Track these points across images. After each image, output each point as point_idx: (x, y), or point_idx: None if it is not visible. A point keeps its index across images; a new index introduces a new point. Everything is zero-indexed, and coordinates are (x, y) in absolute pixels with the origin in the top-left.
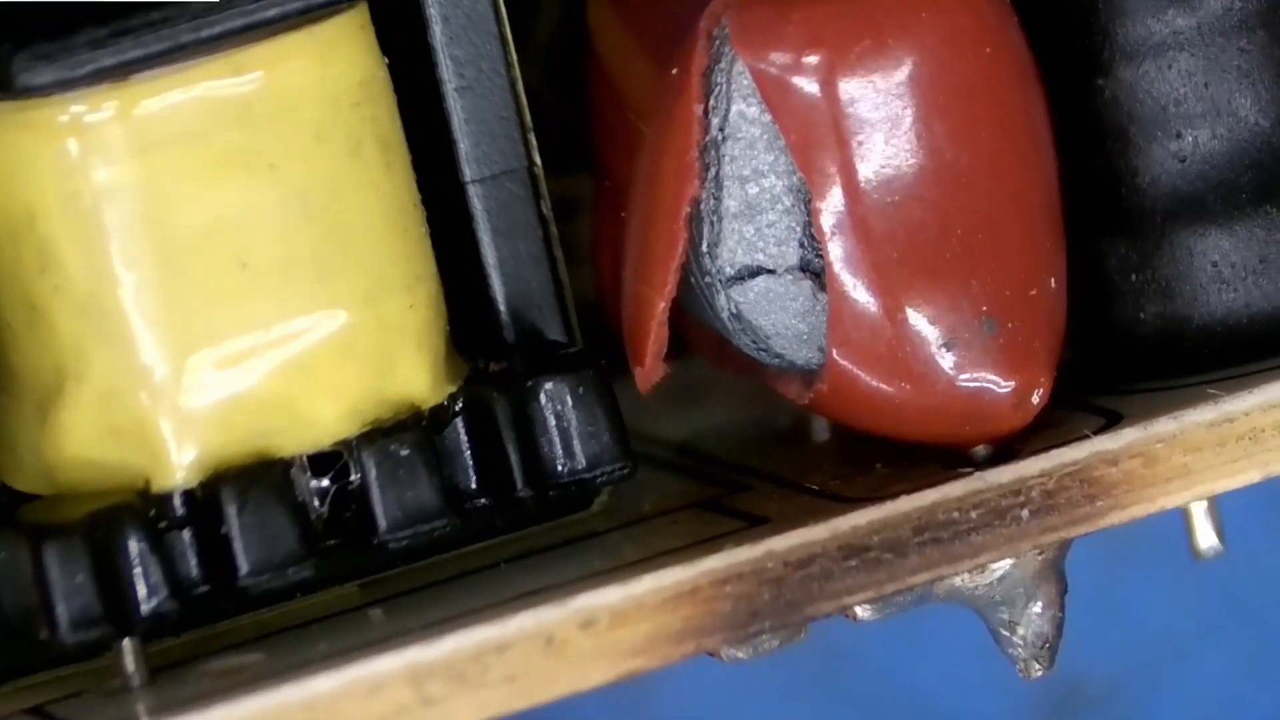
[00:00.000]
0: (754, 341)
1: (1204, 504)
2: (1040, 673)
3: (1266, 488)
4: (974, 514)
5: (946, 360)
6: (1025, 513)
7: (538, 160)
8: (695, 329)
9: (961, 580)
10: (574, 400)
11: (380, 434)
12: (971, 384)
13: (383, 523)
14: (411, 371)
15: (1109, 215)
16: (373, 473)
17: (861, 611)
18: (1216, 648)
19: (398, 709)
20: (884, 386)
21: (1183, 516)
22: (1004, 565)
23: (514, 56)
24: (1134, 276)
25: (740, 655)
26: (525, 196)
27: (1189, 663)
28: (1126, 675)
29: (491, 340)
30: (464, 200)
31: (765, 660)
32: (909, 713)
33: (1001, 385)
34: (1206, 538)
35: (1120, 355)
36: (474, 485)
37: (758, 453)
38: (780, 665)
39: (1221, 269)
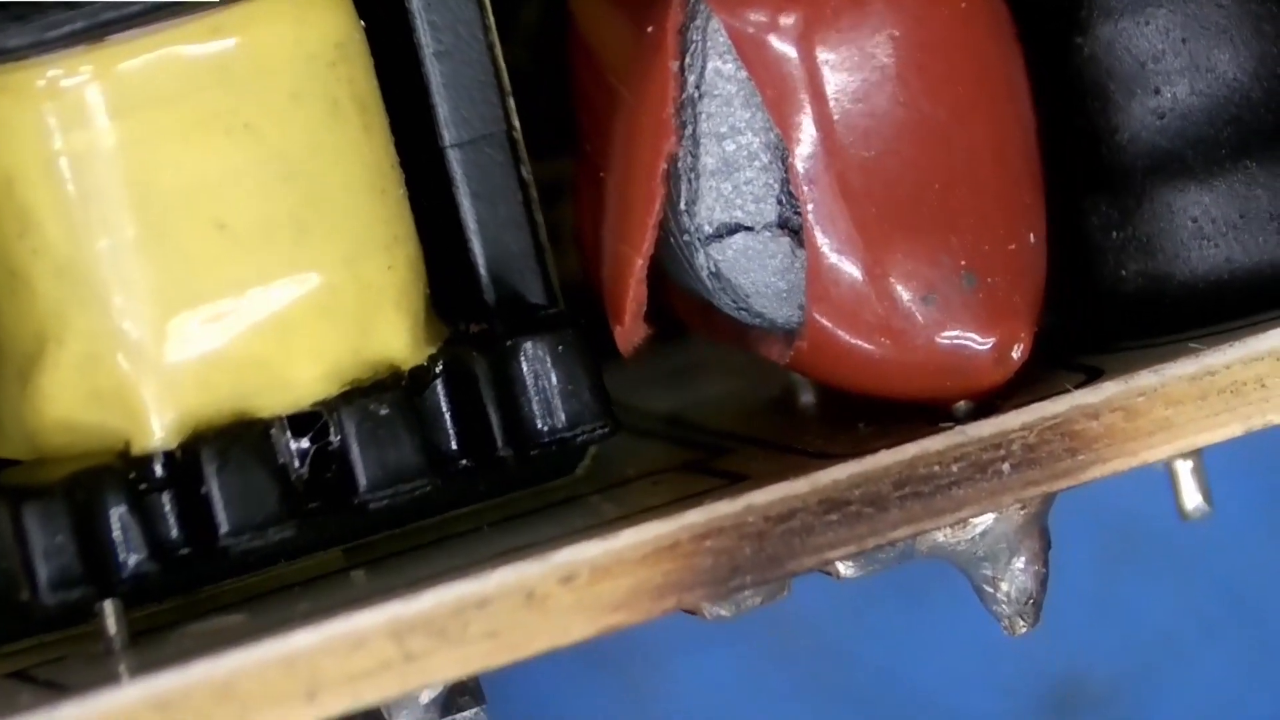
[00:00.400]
0: (734, 301)
1: (1189, 464)
2: (1025, 629)
3: (1266, 488)
4: (955, 468)
5: (926, 315)
6: (1006, 466)
7: (517, 124)
8: (680, 295)
9: (943, 536)
10: (554, 360)
11: (360, 394)
12: (951, 339)
13: (363, 482)
14: (391, 332)
15: (1089, 173)
16: (352, 433)
17: (844, 568)
18: (1216, 648)
19: (379, 664)
20: (863, 343)
21: (1169, 479)
22: (986, 520)
23: (491, 21)
24: (1115, 234)
25: (723, 613)
26: (504, 160)
27: (1189, 663)
28: (1126, 675)
29: (472, 303)
30: (443, 164)
31: (765, 660)
32: (909, 713)
33: (981, 340)
34: (1192, 498)
35: (1102, 313)
36: (455, 446)
37: (744, 421)
38: (780, 665)
39: (1202, 225)
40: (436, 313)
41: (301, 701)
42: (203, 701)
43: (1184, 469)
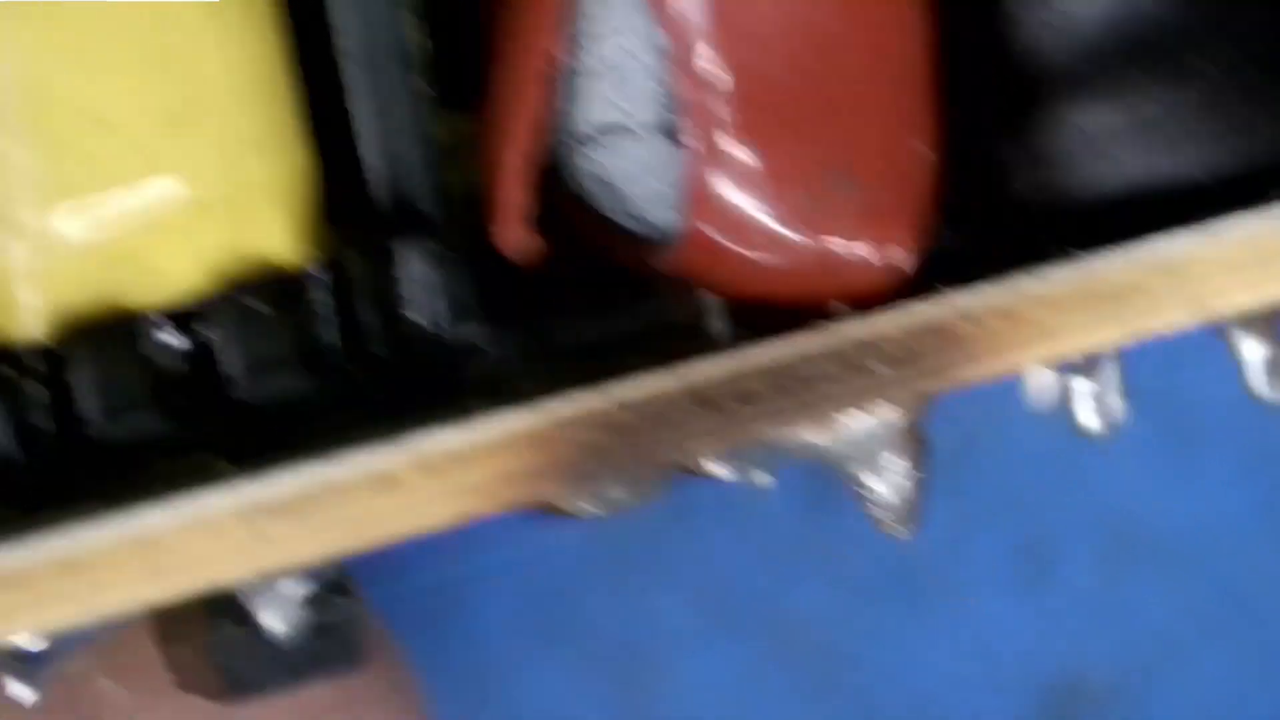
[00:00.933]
0: (617, 205)
1: (1088, 385)
2: (904, 535)
3: (1267, 487)
4: (827, 365)
5: (805, 217)
6: (880, 366)
7: (414, 37)
8: (573, 204)
9: (816, 436)
10: (430, 262)
11: (235, 290)
12: (830, 241)
13: (235, 375)
14: (270, 232)
15: (984, 86)
16: (225, 326)
17: (716, 468)
18: (1216, 648)
19: (234, 547)
20: (741, 245)
21: (1066, 400)
22: (859, 420)
23: None
24: (1008, 147)
25: (594, 510)
26: (399, 71)
27: (1188, 663)
28: (1126, 675)
29: (364, 211)
30: (337, 73)
31: (765, 660)
32: (909, 713)
33: (860, 242)
34: (1087, 416)
35: (997, 224)
36: (330, 343)
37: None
38: (780, 665)
39: (1093, 138)
40: (332, 220)
41: (151, 580)
42: (52, 577)
43: (1080, 387)
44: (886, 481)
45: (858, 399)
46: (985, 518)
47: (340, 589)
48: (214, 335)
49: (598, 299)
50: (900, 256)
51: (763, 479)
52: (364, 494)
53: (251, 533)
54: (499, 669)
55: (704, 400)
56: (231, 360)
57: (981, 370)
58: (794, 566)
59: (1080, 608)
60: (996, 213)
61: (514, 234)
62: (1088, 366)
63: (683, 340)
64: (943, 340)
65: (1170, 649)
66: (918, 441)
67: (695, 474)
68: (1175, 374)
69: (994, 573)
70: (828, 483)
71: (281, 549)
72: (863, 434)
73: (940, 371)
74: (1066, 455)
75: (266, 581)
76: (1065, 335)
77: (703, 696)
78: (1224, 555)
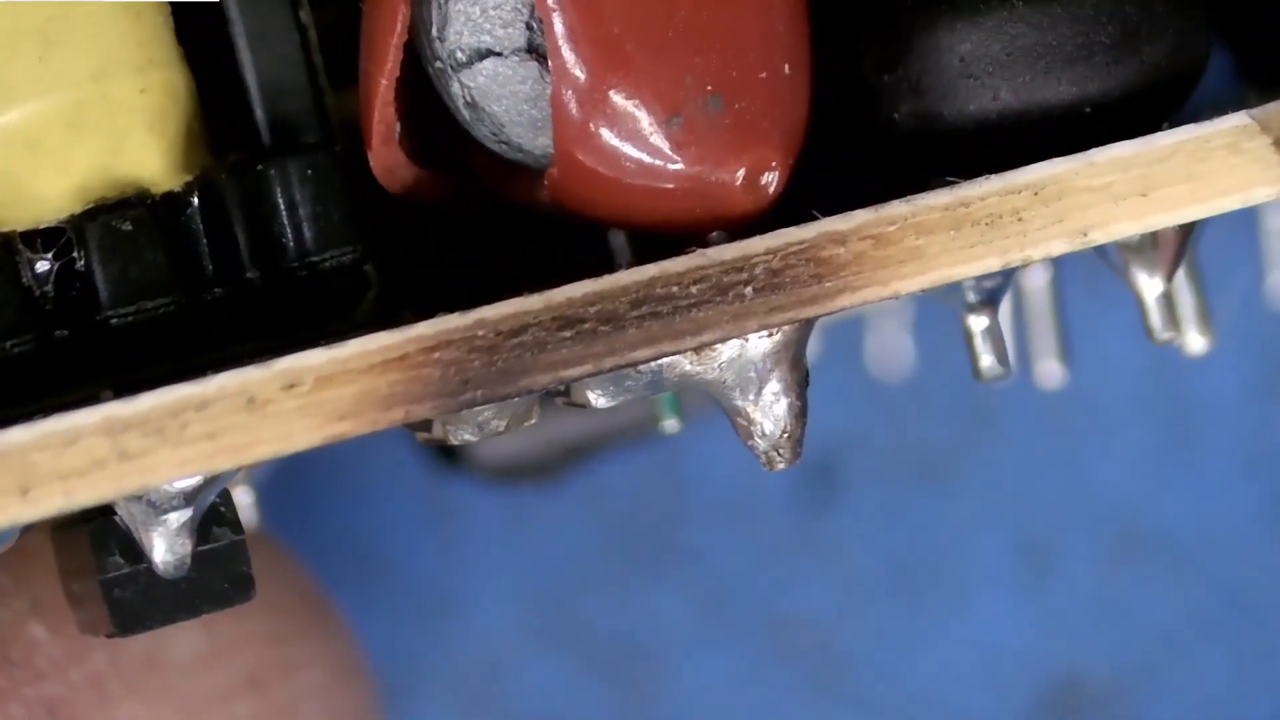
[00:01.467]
0: (492, 133)
1: (985, 322)
2: (783, 465)
3: (1267, 488)
4: (694, 289)
5: (671, 138)
6: (749, 290)
7: None
8: (455, 137)
9: (690, 363)
10: (303, 183)
11: (105, 211)
12: (698, 163)
13: (104, 297)
14: (143, 153)
15: (861, 12)
16: (95, 248)
17: (594, 397)
18: (1216, 648)
19: (93, 462)
20: (610, 170)
21: (967, 342)
22: (733, 347)
23: None
24: (886, 75)
25: (468, 436)
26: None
27: (1189, 663)
28: (1126, 675)
29: (243, 134)
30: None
31: (765, 660)
32: (909, 713)
33: (729, 165)
34: (987, 358)
35: (876, 154)
36: (205, 266)
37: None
38: (780, 665)
39: (969, 64)
40: (210, 143)
41: (15, 498)
42: None
43: (977, 327)
44: (762, 411)
45: (728, 324)
46: (985, 518)
47: (223, 521)
48: (84, 256)
49: (481, 230)
50: (771, 180)
51: (672, 426)
52: (228, 412)
53: (114, 449)
54: (499, 669)
55: (567, 321)
56: (102, 281)
57: (855, 296)
58: (794, 566)
59: (1080, 607)
60: (874, 142)
61: (384, 156)
62: (983, 305)
63: (572, 273)
64: (813, 264)
65: (1171, 649)
66: (795, 369)
67: (581, 406)
68: (1176, 375)
69: (994, 572)
70: (828, 483)
71: (144, 465)
72: (737, 360)
73: (811, 296)
74: (1067, 455)
75: (154, 515)
76: (939, 261)
77: (703, 696)
78: (1224, 555)
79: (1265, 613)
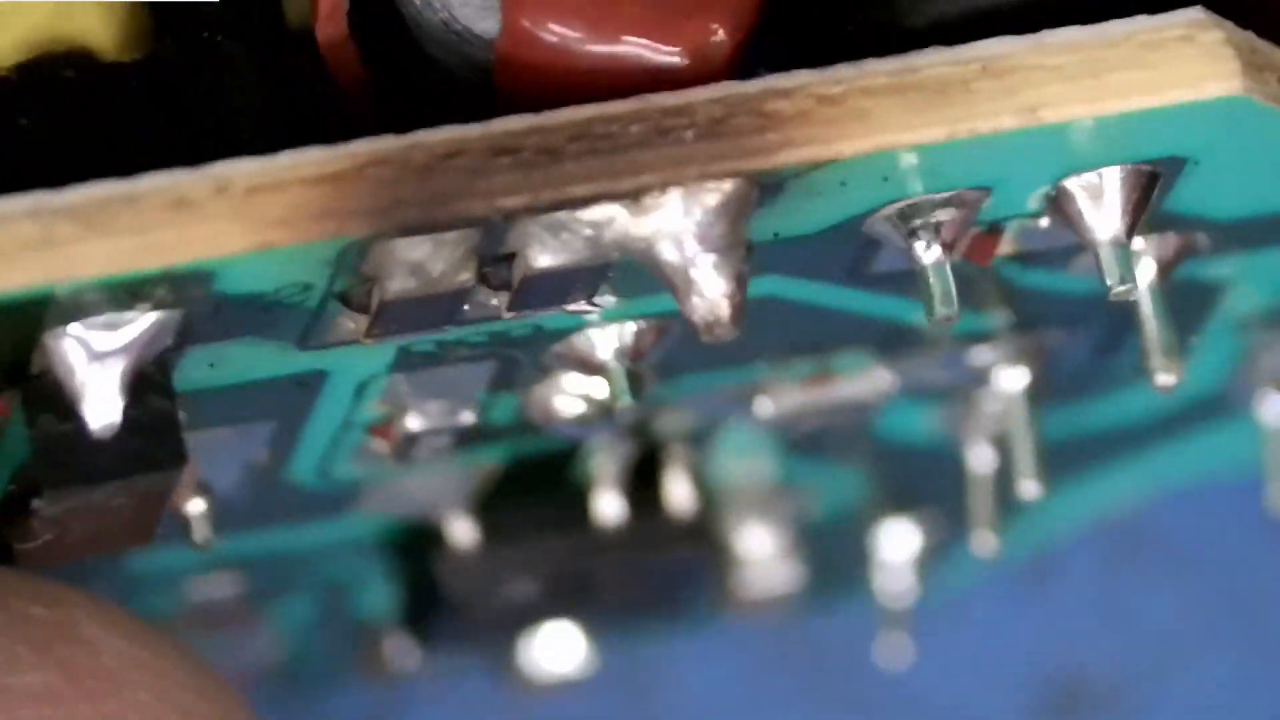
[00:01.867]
0: (442, 21)
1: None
2: (724, 334)
3: (1267, 488)
4: (634, 129)
5: (615, 17)
6: (690, 134)
7: None
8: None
9: (629, 218)
10: (254, 65)
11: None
12: (641, 28)
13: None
14: (91, 24)
15: None
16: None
17: (533, 254)
18: (1217, 648)
19: (20, 244)
20: (555, 38)
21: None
22: (674, 201)
23: None
24: None
25: (411, 284)
26: None
27: (1190, 663)
28: (1126, 675)
29: (193, 9)
30: None
31: (765, 661)
32: (909, 713)
33: (673, 30)
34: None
35: (839, 37)
36: (146, 140)
37: None
38: (780, 665)
39: None
40: (157, 17)
41: None
42: None
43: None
44: (702, 274)
45: (668, 168)
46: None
47: (157, 388)
48: (27, 119)
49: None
50: (717, 45)
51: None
52: (158, 211)
53: (43, 234)
54: None
55: (503, 150)
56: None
57: (798, 152)
58: None
59: (1080, 607)
60: (841, 24)
61: (333, 29)
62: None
63: None
64: (756, 116)
65: (1172, 649)
66: (735, 232)
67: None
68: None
69: (994, 573)
70: None
71: (72, 254)
72: (680, 218)
73: (754, 148)
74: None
75: (87, 362)
76: (885, 125)
77: (703, 696)
78: (1224, 555)
79: (1265, 613)
